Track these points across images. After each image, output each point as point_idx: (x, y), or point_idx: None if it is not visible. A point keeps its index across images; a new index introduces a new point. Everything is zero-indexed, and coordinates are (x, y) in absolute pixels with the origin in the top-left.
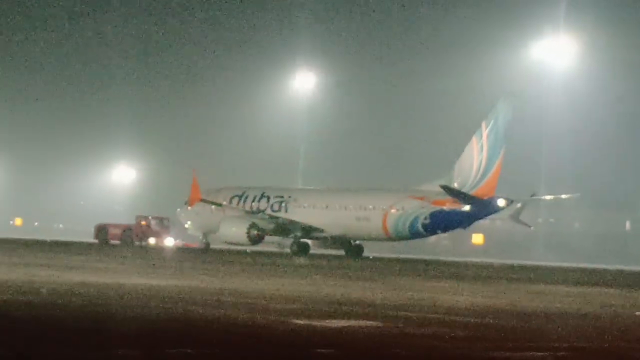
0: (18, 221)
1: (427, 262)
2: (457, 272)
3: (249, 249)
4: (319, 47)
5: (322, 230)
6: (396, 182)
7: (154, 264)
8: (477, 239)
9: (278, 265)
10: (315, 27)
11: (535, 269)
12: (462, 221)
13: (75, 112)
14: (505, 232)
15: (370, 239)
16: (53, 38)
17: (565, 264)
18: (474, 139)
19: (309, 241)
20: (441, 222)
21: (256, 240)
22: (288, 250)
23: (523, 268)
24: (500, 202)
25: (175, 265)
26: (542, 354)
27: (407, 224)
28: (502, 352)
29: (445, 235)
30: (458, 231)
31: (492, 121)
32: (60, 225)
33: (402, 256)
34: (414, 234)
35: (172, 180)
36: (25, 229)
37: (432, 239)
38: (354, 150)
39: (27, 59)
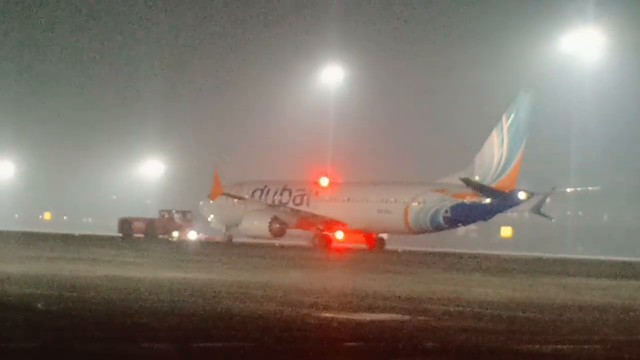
0: (47, 215)
1: (455, 255)
2: (485, 265)
3: (278, 242)
4: (347, 41)
5: (343, 224)
6: (425, 176)
7: (183, 258)
8: (506, 231)
9: (306, 259)
10: (344, 20)
11: (564, 261)
12: (482, 214)
13: (105, 107)
14: (534, 225)
15: (392, 231)
16: (82, 32)
17: (594, 257)
18: (495, 133)
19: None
20: (462, 215)
21: (278, 233)
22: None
23: (552, 261)
24: (521, 195)
25: (204, 259)
26: (572, 346)
27: (429, 216)
28: (532, 345)
29: (474, 228)
30: (487, 224)
31: (512, 114)
32: (89, 219)
33: (430, 249)
34: (435, 227)
35: (200, 173)
36: (54, 223)
37: (461, 232)
38: (381, 144)
39: (56, 53)
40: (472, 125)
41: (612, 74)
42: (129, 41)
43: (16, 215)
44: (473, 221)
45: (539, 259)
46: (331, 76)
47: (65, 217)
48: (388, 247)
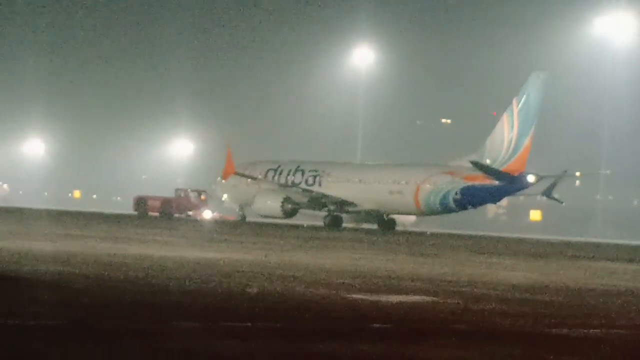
0: (77, 194)
1: (483, 238)
2: (514, 248)
3: (306, 223)
4: (378, 23)
5: (355, 204)
6: (453, 158)
7: (207, 237)
8: (535, 215)
9: (327, 239)
10: (374, 3)
11: (593, 245)
12: (492, 196)
13: (136, 86)
14: (563, 209)
15: (402, 212)
16: (114, 9)
17: (623, 241)
18: (505, 116)
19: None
20: (472, 197)
21: (290, 213)
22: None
23: (581, 245)
24: (530, 178)
25: (226, 238)
26: (601, 331)
27: (439, 198)
28: (561, 328)
29: (503, 211)
30: (516, 208)
31: (523, 98)
32: (119, 198)
33: (457, 232)
34: (445, 209)
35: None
36: (84, 201)
37: (490, 215)
38: (412, 126)
39: (87, 31)
40: (502, 108)
41: None
42: (161, 19)
43: (46, 194)
44: (482, 203)
45: (568, 243)
46: (361, 58)
47: (94, 196)
48: (416, 229)
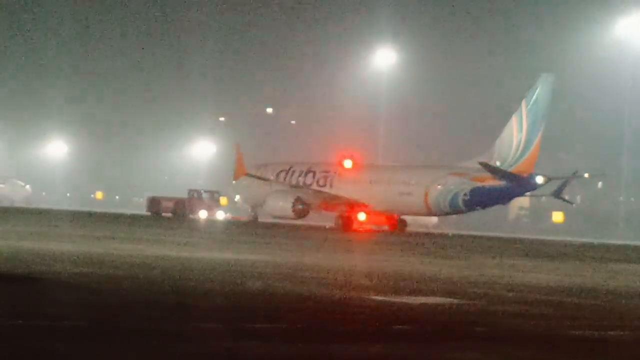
0: (99, 195)
1: (504, 240)
2: (536, 249)
3: (328, 225)
4: (400, 24)
5: (366, 205)
6: (472, 158)
7: (229, 238)
8: (558, 217)
9: (346, 241)
10: (396, 3)
11: (616, 247)
12: (501, 198)
13: (158, 87)
14: (586, 211)
15: (412, 213)
16: (133, 9)
17: None
18: (514, 117)
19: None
20: (481, 199)
21: (301, 214)
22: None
23: (604, 247)
24: (539, 180)
25: (247, 239)
26: (623, 332)
27: (448, 199)
28: (583, 330)
29: (526, 212)
30: (539, 210)
31: (531, 100)
32: (140, 199)
33: (477, 233)
34: (454, 210)
35: (249, 155)
36: (106, 202)
37: (512, 216)
38: (433, 127)
39: (108, 31)
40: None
41: None
42: (181, 19)
43: (68, 194)
44: (492, 204)
45: (590, 245)
46: (384, 59)
47: (117, 197)
48: (438, 230)
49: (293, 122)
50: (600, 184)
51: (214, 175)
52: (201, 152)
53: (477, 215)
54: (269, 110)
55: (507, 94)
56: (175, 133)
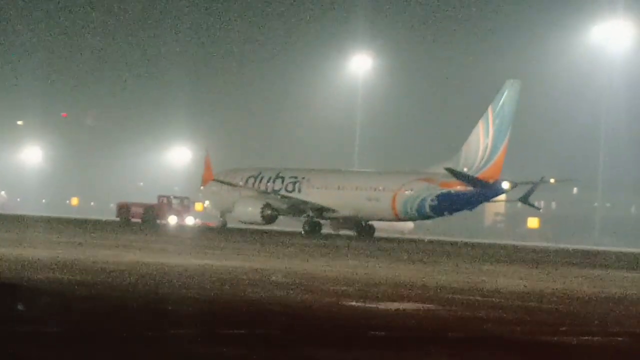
0: (74, 201)
1: (480, 246)
2: (511, 255)
3: (303, 231)
4: (375, 30)
5: (334, 211)
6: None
7: (202, 244)
8: (533, 222)
9: (321, 247)
10: (371, 10)
11: (591, 253)
12: (468, 203)
13: (133, 94)
14: (561, 216)
15: (380, 219)
16: (111, 19)
17: (622, 249)
18: (481, 123)
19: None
20: (448, 204)
21: (269, 219)
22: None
23: (579, 252)
24: (505, 185)
25: (221, 245)
26: (597, 338)
27: (415, 205)
28: (557, 336)
29: (502, 218)
30: (514, 215)
31: (498, 106)
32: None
33: (453, 239)
34: (421, 215)
35: (226, 160)
36: (81, 208)
37: (488, 222)
38: (409, 133)
39: (85, 40)
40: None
41: None
42: (159, 28)
43: (44, 201)
44: (459, 210)
45: (565, 251)
46: (359, 65)
47: (92, 203)
48: (414, 236)
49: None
50: (575, 190)
51: (191, 181)
52: (177, 158)
53: (453, 221)
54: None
55: (483, 99)
56: (152, 139)
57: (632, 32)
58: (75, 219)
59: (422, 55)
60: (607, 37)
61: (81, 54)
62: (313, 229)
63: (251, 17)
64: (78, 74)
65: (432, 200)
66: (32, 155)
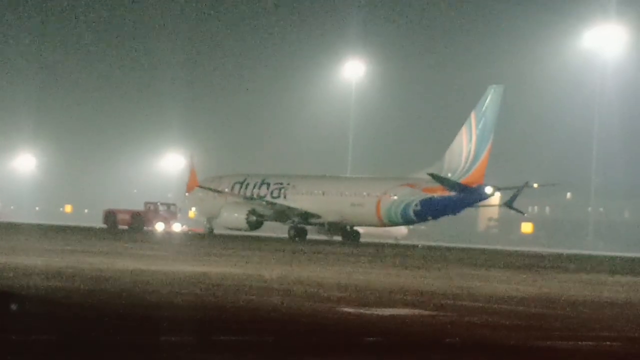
0: (68, 208)
1: (474, 251)
2: (505, 260)
3: (297, 238)
4: (368, 36)
5: (318, 216)
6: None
7: (193, 250)
8: (527, 227)
9: (316, 253)
10: (365, 16)
11: (585, 258)
12: (451, 208)
13: (127, 101)
14: (554, 221)
15: (364, 224)
16: (103, 27)
17: (615, 253)
18: (464, 128)
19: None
20: (431, 209)
21: (255, 225)
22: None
23: (572, 257)
24: (488, 190)
25: (213, 251)
26: (591, 343)
27: (399, 210)
28: (552, 341)
29: (495, 223)
30: (508, 220)
31: (481, 111)
32: None
33: (447, 244)
34: (405, 220)
35: (220, 167)
36: (75, 215)
37: (482, 227)
38: (403, 138)
39: (77, 48)
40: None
41: (634, 69)
42: (151, 35)
43: (37, 208)
44: (442, 215)
45: (559, 255)
46: (352, 71)
47: (86, 210)
48: (407, 242)
49: None
50: (569, 195)
51: (184, 188)
52: (171, 165)
53: (447, 226)
54: None
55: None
56: (145, 146)
57: (624, 37)
58: (58, 226)
59: (416, 61)
60: (600, 42)
61: (75, 61)
62: (298, 234)
63: (244, 25)
64: (68, 83)
65: (415, 205)
66: (26, 163)
